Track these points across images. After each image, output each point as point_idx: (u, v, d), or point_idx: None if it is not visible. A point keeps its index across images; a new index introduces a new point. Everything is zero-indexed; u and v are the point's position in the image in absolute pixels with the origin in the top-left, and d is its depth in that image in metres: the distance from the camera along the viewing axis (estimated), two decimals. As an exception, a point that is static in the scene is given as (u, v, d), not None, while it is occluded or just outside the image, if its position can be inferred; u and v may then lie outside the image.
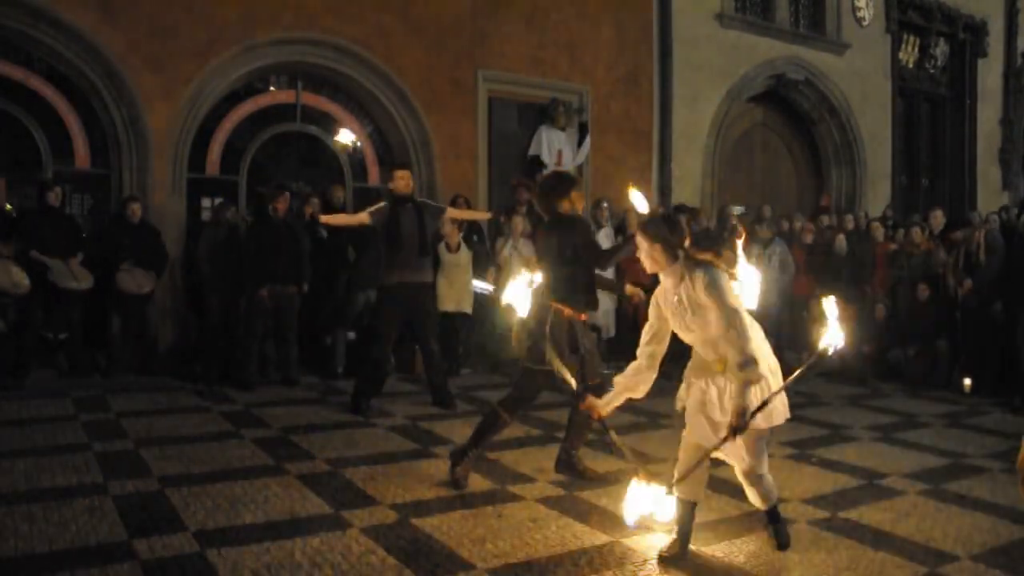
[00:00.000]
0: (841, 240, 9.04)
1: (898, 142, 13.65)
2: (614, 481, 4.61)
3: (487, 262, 8.43)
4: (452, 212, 7.17)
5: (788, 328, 8.75)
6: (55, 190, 7.23)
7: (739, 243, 3.72)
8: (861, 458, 5.28)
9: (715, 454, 3.47)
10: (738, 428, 3.23)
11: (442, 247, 7.87)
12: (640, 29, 10.91)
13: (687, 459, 3.52)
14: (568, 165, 10.10)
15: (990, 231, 8.00)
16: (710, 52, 11.44)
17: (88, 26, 7.76)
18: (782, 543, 3.63)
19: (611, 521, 3.98)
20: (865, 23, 13.12)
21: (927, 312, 8.05)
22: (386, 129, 9.56)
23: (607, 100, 10.64)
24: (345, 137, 9.55)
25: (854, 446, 5.62)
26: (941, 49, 14.42)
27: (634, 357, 3.66)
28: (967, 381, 7.62)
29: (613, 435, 3.99)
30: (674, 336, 3.56)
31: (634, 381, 3.63)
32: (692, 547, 3.64)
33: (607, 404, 3.76)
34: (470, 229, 8.32)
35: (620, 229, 9.02)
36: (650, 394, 3.71)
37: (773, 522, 3.66)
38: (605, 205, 9.01)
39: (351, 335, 7.92)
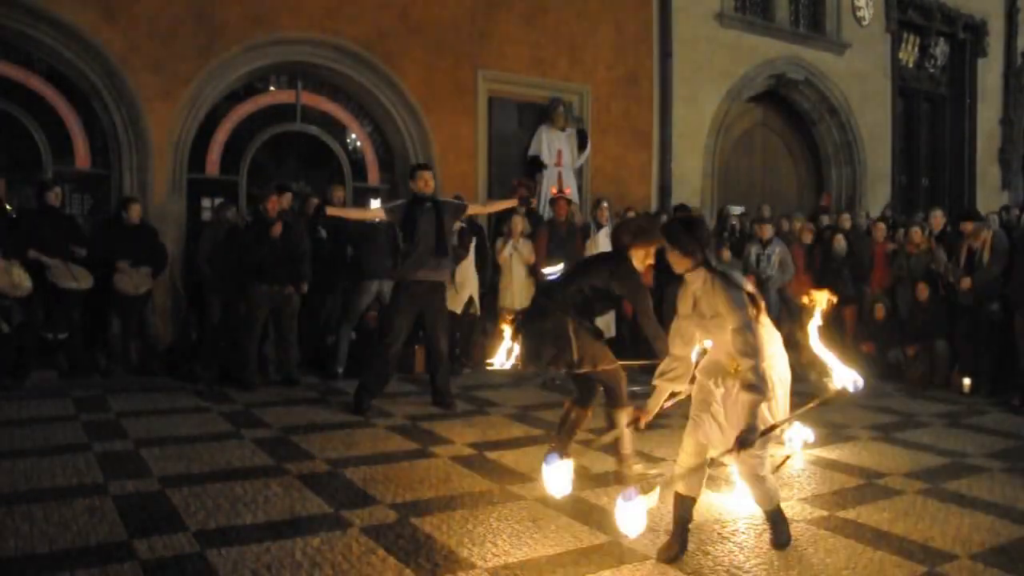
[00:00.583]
0: (840, 240, 9.05)
1: (898, 142, 13.66)
2: (614, 481, 4.63)
3: (487, 262, 8.46)
4: (474, 208, 7.09)
5: (787, 328, 8.72)
6: (55, 190, 7.23)
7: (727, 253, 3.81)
8: (860, 458, 5.29)
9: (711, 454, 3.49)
10: (744, 444, 3.26)
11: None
12: (640, 29, 10.91)
13: (688, 456, 3.53)
14: (568, 166, 10.11)
15: (997, 231, 8.00)
16: (710, 52, 11.44)
17: (88, 26, 7.76)
18: (782, 543, 3.64)
19: (611, 521, 3.98)
20: (865, 23, 13.12)
21: (927, 312, 8.06)
22: (386, 129, 9.56)
23: (607, 100, 10.65)
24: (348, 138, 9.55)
25: (853, 445, 5.63)
26: (941, 49, 14.43)
27: (635, 356, 3.67)
28: (966, 381, 7.63)
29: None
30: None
31: (672, 378, 3.64)
32: (692, 546, 3.64)
33: (653, 409, 3.74)
34: (471, 230, 8.31)
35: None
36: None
37: (774, 522, 3.67)
38: (605, 205, 9.01)
39: (353, 335, 7.92)
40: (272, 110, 9.15)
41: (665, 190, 11.08)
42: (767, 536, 3.70)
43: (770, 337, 3.56)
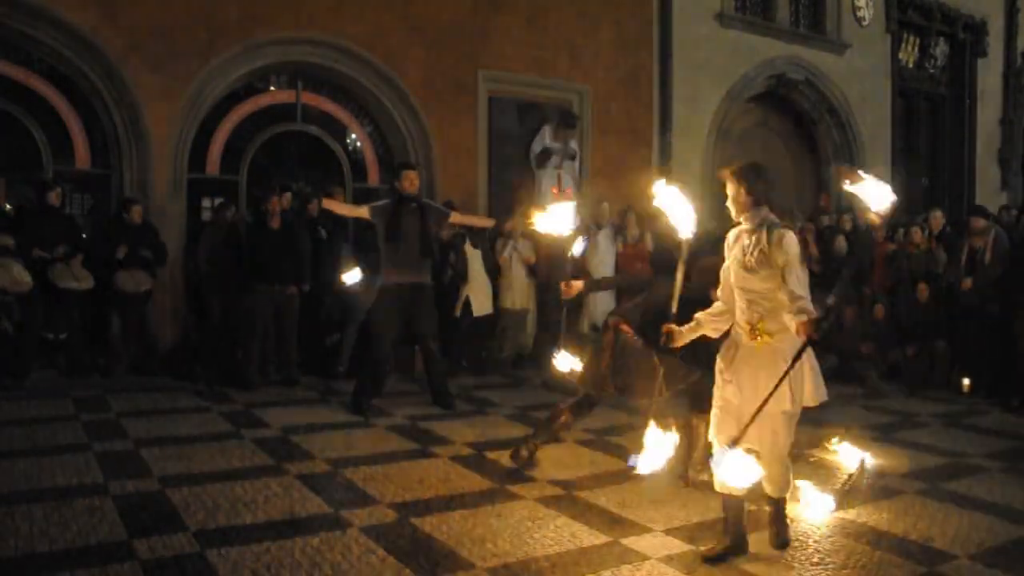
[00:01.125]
0: (841, 241, 9.05)
1: (898, 142, 13.66)
2: (614, 481, 4.63)
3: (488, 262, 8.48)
4: (456, 217, 7.07)
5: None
6: (56, 190, 7.24)
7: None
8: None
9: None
10: (812, 336, 3.22)
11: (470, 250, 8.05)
12: (640, 29, 10.90)
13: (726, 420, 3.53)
14: (567, 169, 10.09)
15: (998, 231, 8.01)
16: (710, 52, 11.43)
17: (88, 26, 7.76)
18: (782, 543, 3.65)
19: (611, 521, 3.99)
20: (865, 23, 13.12)
21: (926, 312, 8.06)
22: (386, 129, 9.56)
23: (607, 100, 10.64)
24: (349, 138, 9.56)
25: (853, 445, 5.61)
26: (941, 49, 14.42)
27: None
28: (966, 381, 7.64)
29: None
30: None
31: (714, 321, 3.66)
32: (691, 547, 3.65)
33: (686, 335, 3.70)
34: (470, 231, 8.32)
35: (619, 230, 9.04)
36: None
37: (776, 522, 3.67)
38: (605, 205, 9.02)
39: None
40: (272, 110, 9.14)
41: (665, 190, 11.05)
42: (767, 536, 3.70)
43: None
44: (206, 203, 8.73)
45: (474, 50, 9.69)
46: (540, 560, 3.51)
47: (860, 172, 3.42)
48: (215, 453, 5.06)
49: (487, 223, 8.04)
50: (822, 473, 4.78)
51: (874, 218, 3.62)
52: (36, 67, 7.98)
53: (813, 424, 4.95)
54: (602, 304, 8.18)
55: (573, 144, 10.12)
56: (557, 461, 5.04)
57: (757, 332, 3.45)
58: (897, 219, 10.56)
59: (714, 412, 3.62)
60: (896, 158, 13.59)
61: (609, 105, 10.64)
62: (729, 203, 3.62)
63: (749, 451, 3.45)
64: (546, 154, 9.88)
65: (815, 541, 3.79)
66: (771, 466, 3.57)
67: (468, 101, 9.71)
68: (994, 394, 7.43)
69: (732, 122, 12.08)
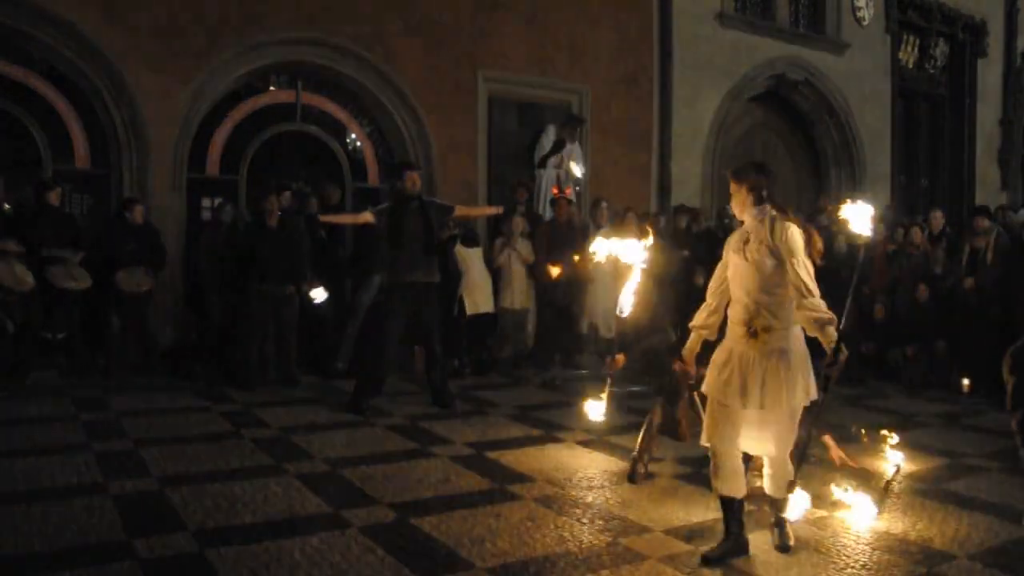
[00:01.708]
0: (841, 240, 9.03)
1: (897, 142, 13.66)
2: (614, 481, 4.63)
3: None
4: (462, 209, 7.06)
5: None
6: (56, 190, 7.24)
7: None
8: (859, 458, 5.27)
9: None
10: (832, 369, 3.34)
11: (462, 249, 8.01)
12: (640, 29, 10.91)
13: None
14: (567, 171, 10.07)
15: (1000, 231, 8.00)
16: (710, 52, 11.44)
17: (88, 26, 7.76)
18: (784, 544, 3.63)
19: (610, 521, 3.99)
20: (865, 23, 13.12)
21: (926, 312, 8.06)
22: (386, 129, 9.56)
23: (607, 100, 10.64)
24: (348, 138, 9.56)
25: (852, 446, 5.61)
26: (941, 49, 14.43)
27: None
28: (965, 381, 7.63)
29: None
30: None
31: (707, 323, 3.72)
32: (690, 546, 3.65)
33: (691, 350, 3.83)
34: (464, 232, 8.30)
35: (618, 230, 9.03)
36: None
37: (778, 524, 3.67)
38: (604, 205, 9.00)
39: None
40: (272, 110, 9.15)
41: (665, 190, 11.07)
42: (767, 537, 3.70)
43: None
44: (206, 203, 8.74)
45: (474, 50, 9.69)
46: (540, 560, 3.50)
47: (841, 204, 3.51)
48: (214, 453, 5.05)
49: (493, 211, 8.01)
50: (853, 478, 4.74)
51: (863, 239, 3.63)
52: (36, 67, 7.99)
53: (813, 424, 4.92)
54: (601, 304, 8.18)
55: (578, 146, 10.12)
56: (557, 461, 5.04)
57: (755, 330, 3.44)
58: (897, 219, 10.58)
59: (709, 415, 3.61)
60: (895, 158, 13.59)
61: (609, 105, 10.64)
62: (733, 204, 3.65)
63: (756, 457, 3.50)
64: (558, 146, 9.81)
65: (815, 542, 3.78)
66: (774, 467, 3.57)
67: (468, 101, 9.71)
68: (994, 394, 7.42)
69: (732, 122, 12.08)
